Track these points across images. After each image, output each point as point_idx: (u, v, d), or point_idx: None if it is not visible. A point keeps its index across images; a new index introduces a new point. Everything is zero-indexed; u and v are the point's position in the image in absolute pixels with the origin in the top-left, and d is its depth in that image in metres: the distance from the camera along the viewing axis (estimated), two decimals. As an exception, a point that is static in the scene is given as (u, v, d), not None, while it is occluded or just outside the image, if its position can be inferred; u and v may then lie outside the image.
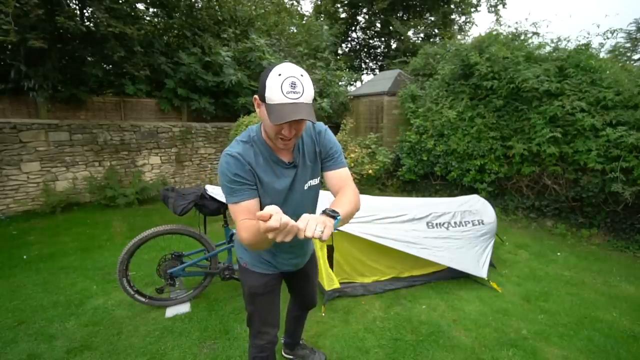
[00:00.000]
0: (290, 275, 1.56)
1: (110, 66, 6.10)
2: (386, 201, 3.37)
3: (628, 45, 8.70)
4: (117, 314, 2.52)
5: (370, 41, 14.84)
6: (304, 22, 11.06)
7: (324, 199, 1.38)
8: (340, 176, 1.28)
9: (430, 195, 5.81)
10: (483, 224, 3.10)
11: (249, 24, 8.32)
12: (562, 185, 4.37)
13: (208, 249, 2.64)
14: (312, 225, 0.83)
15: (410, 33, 12.97)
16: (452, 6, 13.04)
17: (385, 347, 2.18)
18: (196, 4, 7.34)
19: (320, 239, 0.83)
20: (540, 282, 3.07)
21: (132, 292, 2.48)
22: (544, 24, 12.28)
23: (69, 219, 4.91)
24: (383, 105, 6.74)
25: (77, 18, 5.22)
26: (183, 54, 6.46)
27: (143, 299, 2.52)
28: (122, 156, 5.99)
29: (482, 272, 2.89)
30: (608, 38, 4.86)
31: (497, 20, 12.77)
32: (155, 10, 7.03)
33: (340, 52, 14.21)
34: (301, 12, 12.46)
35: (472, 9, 13.62)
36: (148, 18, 6.96)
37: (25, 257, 3.58)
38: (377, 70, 14.79)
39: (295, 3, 12.34)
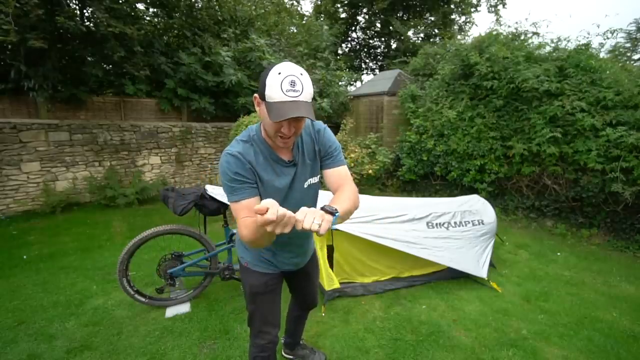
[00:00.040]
0: (291, 274, 1.56)
1: (110, 66, 6.10)
2: (386, 201, 3.37)
3: (628, 45, 8.70)
4: (117, 314, 2.52)
5: (370, 41, 14.83)
6: (304, 22, 11.06)
7: (324, 199, 1.38)
8: (339, 174, 1.29)
9: (430, 195, 5.81)
10: (483, 224, 3.10)
11: (249, 24, 8.32)
12: (562, 185, 4.37)
13: (208, 249, 2.64)
14: (309, 218, 0.84)
15: (410, 33, 12.96)
16: (452, 6, 13.03)
17: (385, 347, 2.18)
18: (196, 4, 7.34)
19: (317, 232, 0.84)
20: (540, 282, 3.07)
21: (132, 292, 2.48)
22: (544, 24, 12.30)
23: (69, 219, 4.91)
24: (383, 105, 6.74)
25: (77, 18, 5.22)
26: (183, 54, 6.46)
27: (143, 299, 2.52)
28: (122, 156, 5.99)
29: (482, 272, 2.89)
30: (608, 38, 4.87)
31: (497, 20, 12.75)
32: (155, 10, 7.03)
33: (340, 52, 14.21)
34: (301, 12, 12.47)
35: (472, 9, 13.62)
36: (148, 18, 6.96)
37: (25, 257, 3.58)
38: (377, 70, 14.79)
39: (295, 3, 12.35)
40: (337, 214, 0.96)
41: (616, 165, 3.72)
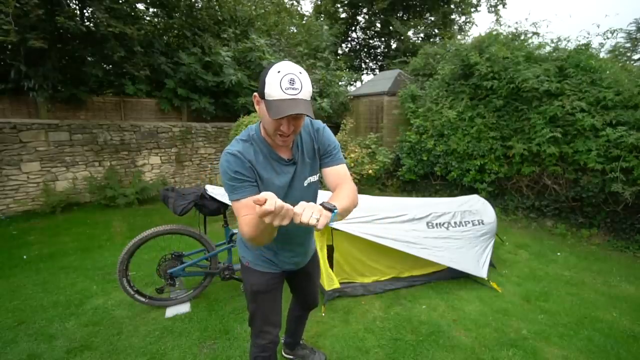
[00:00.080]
0: (292, 274, 1.56)
1: (110, 66, 6.10)
2: (386, 201, 3.37)
3: (628, 45, 8.70)
4: (117, 314, 2.52)
5: (370, 41, 14.83)
6: (304, 22, 11.05)
7: (324, 198, 1.38)
8: (338, 173, 1.30)
9: (430, 195, 5.81)
10: (483, 224, 3.10)
11: (249, 24, 8.32)
12: (562, 185, 4.37)
13: (208, 249, 2.64)
14: (308, 212, 0.86)
15: (410, 33, 12.96)
16: (452, 6, 13.03)
17: (385, 347, 2.18)
18: (196, 4, 7.34)
19: (315, 227, 0.86)
20: (540, 282, 3.07)
21: (132, 292, 2.48)
22: (544, 24, 12.29)
23: (69, 219, 4.91)
24: (383, 105, 6.74)
25: (77, 18, 5.22)
26: (183, 54, 6.46)
27: (143, 299, 2.52)
28: (122, 156, 5.99)
29: (482, 272, 2.89)
30: (608, 38, 4.87)
31: (497, 20, 12.75)
32: (155, 10, 7.03)
33: (340, 52, 14.21)
34: (301, 12, 12.47)
35: (472, 9, 13.62)
36: (148, 18, 6.96)
37: (25, 257, 3.58)
38: (377, 70, 14.79)
39: (295, 3, 12.34)
40: (335, 211, 0.97)
41: (616, 165, 3.72)
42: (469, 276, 2.95)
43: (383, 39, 14.47)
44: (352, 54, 14.93)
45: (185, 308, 2.58)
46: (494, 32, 5.37)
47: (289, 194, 1.27)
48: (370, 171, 5.76)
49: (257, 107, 1.16)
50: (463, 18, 13.93)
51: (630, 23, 8.98)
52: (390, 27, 12.84)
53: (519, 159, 4.62)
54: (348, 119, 6.84)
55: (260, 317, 1.47)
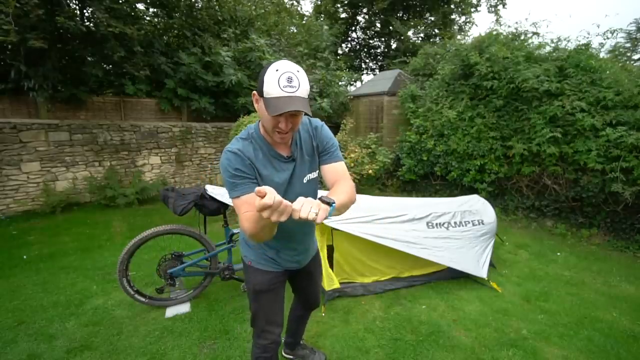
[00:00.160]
0: (294, 274, 1.57)
1: (110, 66, 6.10)
2: (386, 201, 3.37)
3: (628, 45, 8.70)
4: (117, 314, 2.52)
5: (370, 41, 14.83)
6: (304, 22, 11.06)
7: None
8: (336, 170, 1.32)
9: (430, 195, 5.81)
10: (483, 224, 3.10)
11: (249, 24, 8.32)
12: (562, 185, 4.37)
13: (208, 249, 2.64)
14: (306, 207, 0.87)
15: (410, 33, 12.96)
16: (452, 6, 13.03)
17: (385, 347, 2.18)
18: (196, 4, 7.34)
19: (314, 221, 0.87)
20: (540, 282, 3.07)
21: (132, 292, 2.48)
22: (544, 24, 12.30)
23: (69, 219, 4.91)
24: (383, 105, 6.74)
25: (77, 18, 5.22)
26: (183, 54, 6.46)
27: (143, 299, 2.52)
28: (122, 156, 5.99)
29: (482, 272, 2.89)
30: (608, 38, 4.87)
31: (497, 20, 12.80)
32: (155, 10, 7.03)
33: (340, 52, 14.21)
34: (301, 12, 12.47)
35: (472, 9, 13.62)
36: (148, 18, 6.96)
37: (25, 257, 3.58)
38: (377, 70, 14.79)
39: (295, 3, 12.35)
40: (333, 204, 0.99)
41: (616, 165, 3.72)
42: (469, 276, 2.95)
43: (383, 39, 14.47)
44: (352, 54, 14.93)
45: (185, 308, 2.58)
46: (494, 32, 5.37)
47: (289, 191, 1.29)
48: (370, 171, 5.75)
49: (256, 105, 1.19)
50: (463, 18, 13.94)
51: (630, 23, 8.99)
52: (390, 27, 12.84)
53: (519, 159, 4.62)
54: (348, 119, 6.84)
55: (262, 316, 1.48)
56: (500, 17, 13.41)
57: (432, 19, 13.21)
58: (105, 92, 6.53)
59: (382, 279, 2.84)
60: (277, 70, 1.06)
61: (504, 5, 13.53)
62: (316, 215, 0.87)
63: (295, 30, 10.18)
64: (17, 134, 5.00)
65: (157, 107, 6.72)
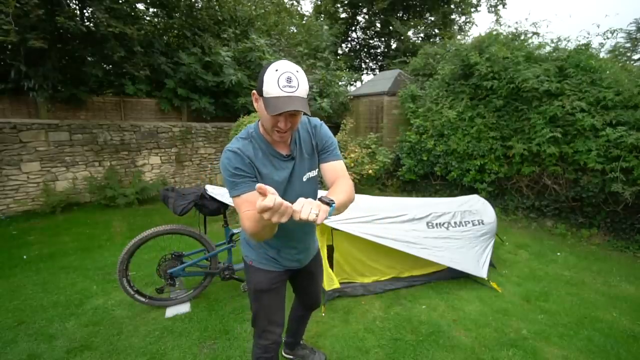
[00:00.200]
0: (295, 273, 1.57)
1: (110, 66, 6.10)
2: (386, 201, 3.37)
3: (628, 45, 8.70)
4: (117, 314, 2.52)
5: (370, 41, 14.83)
6: (304, 22, 11.06)
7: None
8: (335, 168, 1.33)
9: (430, 195, 5.81)
10: (483, 224, 3.10)
11: (249, 24, 8.33)
12: (562, 185, 4.37)
13: (208, 249, 2.64)
14: (307, 208, 0.88)
15: (410, 33, 12.96)
16: (452, 6, 13.03)
17: (385, 347, 2.18)
18: (196, 4, 7.34)
19: (314, 221, 0.88)
20: (540, 282, 3.07)
21: (132, 292, 2.48)
22: (544, 24, 12.30)
23: (69, 219, 4.91)
24: (383, 105, 6.74)
25: (77, 18, 5.22)
26: (183, 54, 6.46)
27: (143, 299, 2.52)
28: (122, 156, 5.99)
29: (482, 272, 2.89)
30: (608, 38, 4.87)
31: (497, 20, 12.81)
32: (155, 10, 7.03)
33: (340, 52, 14.20)
34: (301, 12, 12.48)
35: (472, 9, 13.61)
36: (148, 18, 6.96)
37: (25, 257, 3.58)
38: (377, 70, 14.79)
39: (295, 3, 12.36)
40: (333, 205, 1.01)
41: (616, 165, 3.72)
42: (469, 276, 2.95)
43: (383, 39, 14.47)
44: (352, 54, 14.93)
45: (185, 308, 2.59)
46: (494, 32, 5.37)
47: (289, 189, 1.30)
48: (370, 171, 5.75)
49: (255, 105, 1.20)
50: (463, 18, 13.94)
51: (630, 23, 8.99)
52: (390, 27, 12.84)
53: (519, 159, 4.62)
54: (348, 119, 6.84)
55: (263, 316, 1.48)
56: (500, 17, 13.44)
57: (432, 19, 13.21)
58: (105, 92, 6.53)
59: (382, 279, 2.84)
60: (276, 70, 1.07)
61: (504, 5, 13.53)
62: (316, 216, 0.88)
63: (295, 30, 10.18)
64: (17, 134, 5.01)
65: (157, 107, 6.72)
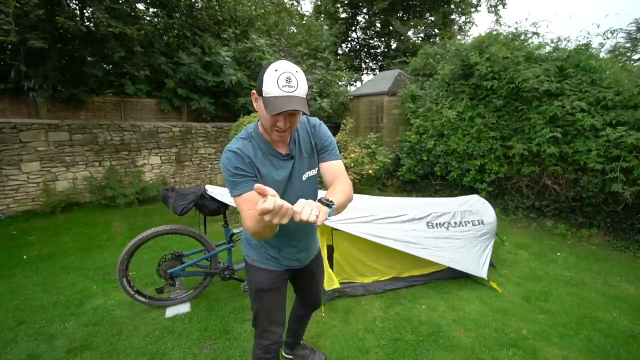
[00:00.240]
0: (295, 273, 1.57)
1: (110, 66, 6.10)
2: (386, 201, 3.37)
3: (628, 45, 8.70)
4: (117, 314, 2.52)
5: (370, 41, 14.83)
6: (304, 22, 11.06)
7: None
8: (334, 168, 1.34)
9: (430, 195, 5.81)
10: (483, 224, 3.10)
11: (249, 24, 8.33)
12: (562, 185, 4.37)
13: (208, 249, 2.64)
14: (307, 209, 0.89)
15: (410, 33, 12.96)
16: (452, 6, 13.03)
17: (385, 347, 2.18)
18: (196, 4, 7.34)
19: (315, 223, 0.89)
20: (540, 282, 3.07)
21: (132, 292, 2.48)
22: (544, 24, 12.30)
23: (69, 219, 4.91)
24: (383, 105, 6.74)
25: (77, 18, 5.23)
26: (183, 54, 6.46)
27: (143, 299, 2.52)
28: (122, 156, 5.99)
29: (482, 272, 2.89)
30: (608, 38, 4.87)
31: (497, 20, 12.81)
32: (155, 10, 7.03)
33: (340, 52, 14.21)
34: (301, 12, 12.48)
35: (472, 9, 13.62)
36: (148, 18, 6.97)
37: (25, 257, 3.58)
38: (377, 70, 14.79)
39: (295, 3, 12.36)
40: (332, 206, 1.02)
41: (616, 165, 3.72)
42: (469, 276, 2.95)
43: (383, 39, 14.47)
44: (352, 54, 14.93)
45: (185, 308, 2.59)
46: (494, 32, 5.37)
47: (289, 188, 1.31)
48: (370, 171, 5.75)
49: (255, 104, 1.21)
50: (463, 18, 13.94)
51: (630, 23, 8.99)
52: (390, 27, 12.84)
53: (519, 159, 4.62)
54: (348, 119, 6.83)
55: (264, 316, 1.48)
56: (500, 17, 13.45)
57: (432, 19, 13.21)
58: (105, 92, 6.53)
59: (382, 279, 2.84)
60: (276, 70, 1.08)
61: (504, 5, 13.53)
62: (316, 217, 0.89)
63: (295, 30, 10.18)
64: (17, 134, 5.01)
65: (157, 107, 6.72)
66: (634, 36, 8.93)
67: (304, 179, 1.34)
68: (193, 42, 7.10)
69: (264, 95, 1.11)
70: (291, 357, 2.05)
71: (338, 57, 11.18)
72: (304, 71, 1.14)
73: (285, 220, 0.88)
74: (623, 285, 3.07)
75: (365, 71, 15.28)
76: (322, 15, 13.60)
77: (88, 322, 2.42)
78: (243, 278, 2.78)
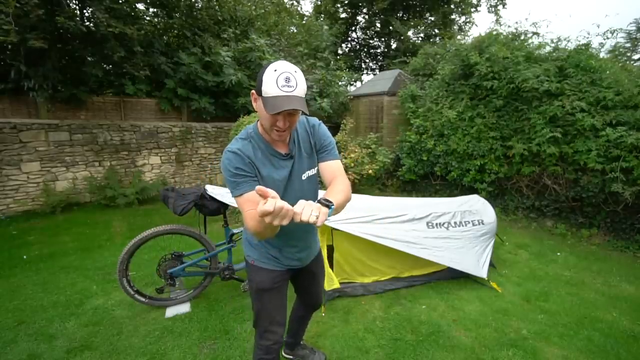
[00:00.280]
0: (297, 273, 1.57)
1: (110, 66, 6.10)
2: (386, 201, 3.37)
3: (628, 45, 8.70)
4: (117, 314, 2.52)
5: (370, 41, 14.84)
6: (304, 22, 11.06)
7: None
8: (333, 168, 1.35)
9: (430, 195, 5.81)
10: (483, 224, 3.10)
11: (249, 24, 8.33)
12: (562, 185, 4.37)
13: (208, 249, 2.64)
14: (307, 210, 0.90)
15: (410, 33, 12.97)
16: (452, 6, 13.04)
17: (385, 347, 2.18)
18: (196, 4, 7.34)
19: (315, 224, 0.90)
20: (540, 282, 3.07)
21: (132, 292, 2.48)
22: (544, 24, 12.32)
23: (69, 219, 4.91)
24: (383, 105, 6.74)
25: (77, 18, 5.23)
26: (183, 54, 6.46)
27: (143, 299, 2.52)
28: (122, 156, 5.99)
29: (482, 272, 2.89)
30: (608, 38, 4.87)
31: (497, 20, 12.81)
32: (155, 10, 7.04)
33: (340, 52, 14.21)
34: (301, 12, 12.48)
35: (472, 9, 13.62)
36: (148, 18, 6.97)
37: (25, 257, 3.58)
38: (377, 70, 14.79)
39: (295, 3, 12.36)
40: (332, 207, 1.03)
41: (616, 165, 3.72)
42: (469, 276, 2.95)
43: (383, 39, 14.48)
44: (352, 54, 14.94)
45: (185, 308, 2.59)
46: (494, 32, 5.37)
47: (289, 187, 1.32)
48: (370, 171, 5.75)
49: (254, 104, 1.22)
50: (463, 18, 13.95)
51: (630, 23, 8.99)
52: (390, 27, 12.85)
53: (519, 159, 4.62)
54: (348, 119, 6.83)
55: (265, 316, 1.48)
56: (500, 17, 13.45)
57: (432, 19, 13.22)
58: (105, 92, 6.53)
59: (382, 279, 2.84)
60: (275, 70, 1.09)
61: (504, 5, 13.54)
62: (317, 218, 0.90)
63: (295, 30, 10.19)
64: (17, 134, 5.01)
65: (157, 107, 6.72)
66: (634, 36, 8.94)
67: (303, 178, 1.35)
68: (193, 42, 7.10)
69: (263, 95, 1.12)
70: (291, 357, 2.05)
71: (338, 57, 11.19)
72: (303, 71, 1.15)
73: (285, 222, 0.88)
74: (623, 285, 3.07)
75: (365, 71, 15.31)
76: (322, 15, 13.61)
77: (88, 322, 2.42)
78: (243, 278, 2.78)
